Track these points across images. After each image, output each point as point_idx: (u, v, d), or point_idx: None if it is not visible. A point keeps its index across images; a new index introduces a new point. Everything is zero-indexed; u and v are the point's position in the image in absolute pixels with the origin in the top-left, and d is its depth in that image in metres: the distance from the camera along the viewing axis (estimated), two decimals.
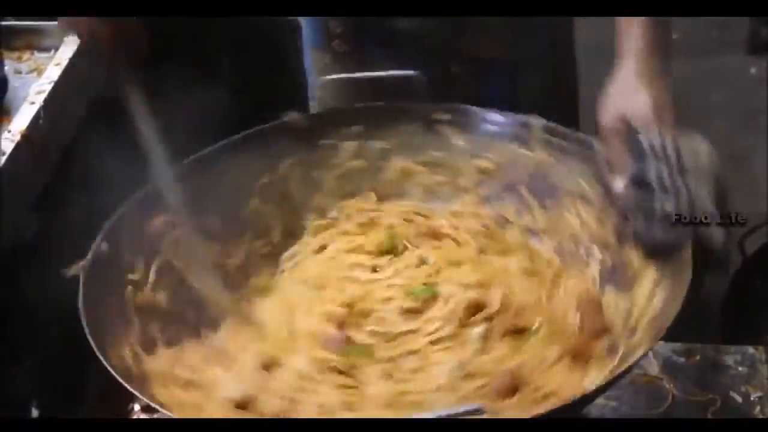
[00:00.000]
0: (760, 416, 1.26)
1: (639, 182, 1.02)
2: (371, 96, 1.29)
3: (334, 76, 1.35)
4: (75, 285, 1.05)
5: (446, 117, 1.22)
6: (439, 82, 1.32)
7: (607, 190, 1.09)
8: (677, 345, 1.35)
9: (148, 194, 1.14)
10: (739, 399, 1.28)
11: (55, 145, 1.33)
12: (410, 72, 1.29)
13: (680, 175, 1.00)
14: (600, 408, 1.28)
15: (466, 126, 1.22)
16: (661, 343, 1.34)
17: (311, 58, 1.45)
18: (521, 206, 1.23)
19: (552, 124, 1.19)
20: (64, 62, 1.40)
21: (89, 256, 1.07)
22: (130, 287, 1.08)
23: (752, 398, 1.28)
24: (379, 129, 1.23)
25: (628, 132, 1.03)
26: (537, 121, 1.20)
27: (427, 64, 1.32)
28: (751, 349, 1.34)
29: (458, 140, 1.22)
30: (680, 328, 1.42)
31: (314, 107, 1.41)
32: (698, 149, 1.04)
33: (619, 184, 1.06)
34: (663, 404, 1.27)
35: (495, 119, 1.23)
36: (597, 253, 1.14)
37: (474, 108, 1.22)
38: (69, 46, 1.42)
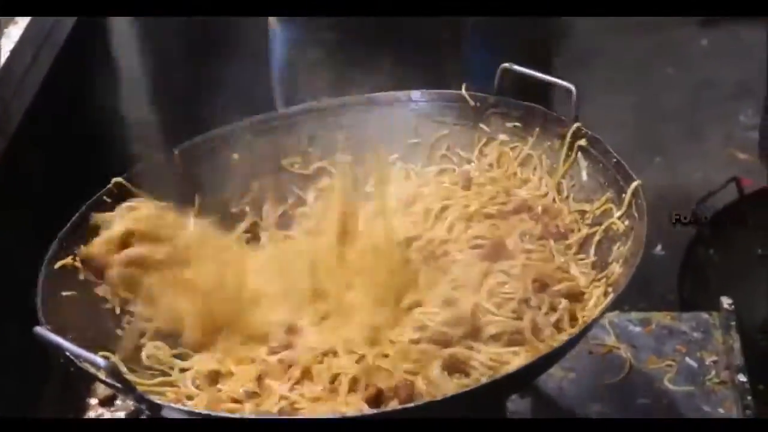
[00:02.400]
0: (716, 380, 1.31)
1: None
2: None
3: None
4: (27, 280, 1.08)
5: (584, 143, 1.20)
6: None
7: None
8: (633, 314, 1.39)
9: None
10: (694, 364, 1.32)
11: None
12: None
13: None
14: (559, 380, 1.32)
15: (593, 159, 1.18)
16: (617, 313, 1.40)
17: None
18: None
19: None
20: (4, 57, 1.41)
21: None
22: None
23: (707, 363, 1.32)
24: (528, 133, 1.23)
25: None
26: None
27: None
28: (705, 315, 1.39)
29: (584, 173, 1.19)
30: (636, 297, 1.47)
31: None
32: None
33: None
34: (621, 372, 1.32)
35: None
36: None
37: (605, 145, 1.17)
38: (9, 39, 1.43)
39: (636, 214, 1.09)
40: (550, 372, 1.32)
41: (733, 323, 1.34)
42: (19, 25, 1.43)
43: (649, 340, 1.36)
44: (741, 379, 1.28)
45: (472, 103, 1.26)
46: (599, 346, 1.35)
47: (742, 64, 2.05)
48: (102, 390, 1.30)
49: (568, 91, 1.16)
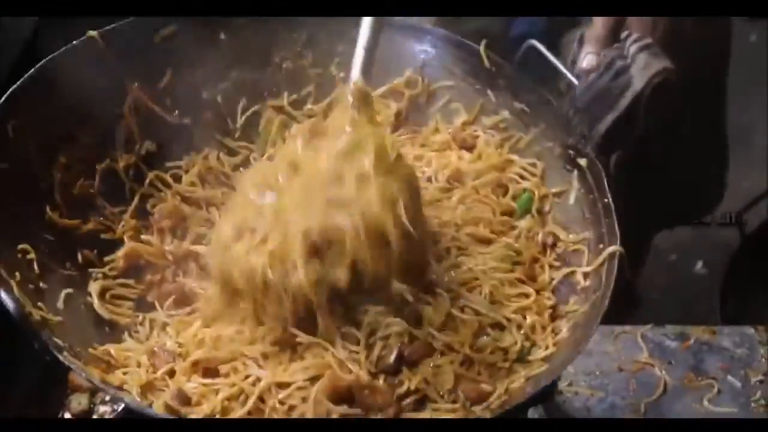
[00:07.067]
0: (762, 402, 1.30)
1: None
2: None
3: None
4: None
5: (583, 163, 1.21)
6: None
7: None
8: (669, 327, 1.38)
9: None
10: (738, 384, 1.31)
11: None
12: None
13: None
14: (584, 399, 1.31)
15: (586, 186, 1.19)
16: (651, 326, 1.39)
17: None
18: None
19: None
20: None
21: None
22: None
23: (753, 382, 1.31)
24: (533, 123, 1.25)
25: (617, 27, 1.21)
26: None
27: None
28: (749, 330, 1.37)
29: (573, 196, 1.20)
30: (674, 310, 1.47)
31: None
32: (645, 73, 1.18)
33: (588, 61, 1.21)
34: (655, 392, 1.30)
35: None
36: None
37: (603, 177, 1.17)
38: None
39: (603, 278, 1.09)
40: (577, 390, 1.33)
41: None
42: None
43: (686, 357, 1.35)
44: None
45: (487, 64, 1.25)
46: (630, 363, 1.34)
47: None
48: (75, 405, 1.31)
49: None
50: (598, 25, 1.23)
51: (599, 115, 1.21)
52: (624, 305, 1.23)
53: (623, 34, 1.22)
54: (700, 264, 1.74)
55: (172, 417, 1.00)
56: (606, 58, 1.20)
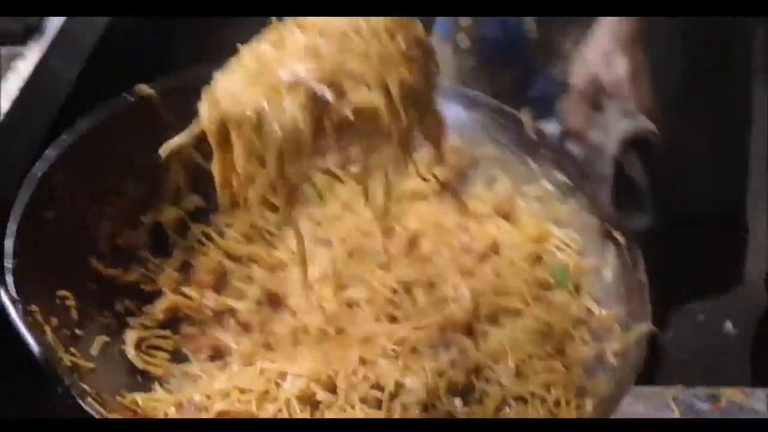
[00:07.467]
0: None
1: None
2: None
3: None
4: None
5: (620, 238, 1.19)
6: None
7: None
8: (700, 389, 1.36)
9: None
10: None
11: None
12: None
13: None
14: None
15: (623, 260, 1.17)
16: (681, 387, 1.37)
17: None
18: None
19: None
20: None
21: None
22: None
23: None
24: (574, 196, 1.24)
25: (597, 97, 1.20)
26: None
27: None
28: None
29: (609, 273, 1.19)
30: (704, 371, 1.47)
31: None
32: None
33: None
34: None
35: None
36: None
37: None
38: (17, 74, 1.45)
39: (632, 357, 1.07)
40: None
41: None
42: (28, 59, 1.47)
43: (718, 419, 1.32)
44: None
45: (533, 137, 1.25)
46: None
47: None
48: None
49: None
50: (575, 91, 1.23)
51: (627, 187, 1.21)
52: (651, 365, 1.23)
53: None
54: (729, 324, 1.74)
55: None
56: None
